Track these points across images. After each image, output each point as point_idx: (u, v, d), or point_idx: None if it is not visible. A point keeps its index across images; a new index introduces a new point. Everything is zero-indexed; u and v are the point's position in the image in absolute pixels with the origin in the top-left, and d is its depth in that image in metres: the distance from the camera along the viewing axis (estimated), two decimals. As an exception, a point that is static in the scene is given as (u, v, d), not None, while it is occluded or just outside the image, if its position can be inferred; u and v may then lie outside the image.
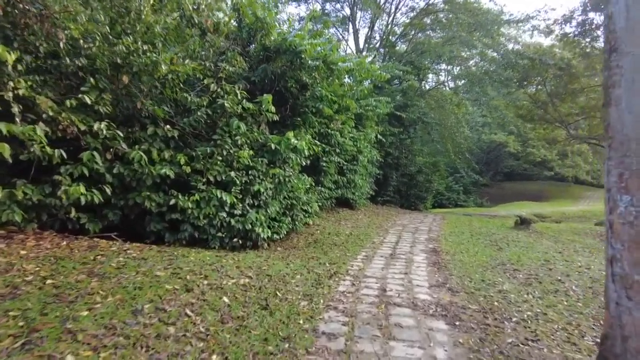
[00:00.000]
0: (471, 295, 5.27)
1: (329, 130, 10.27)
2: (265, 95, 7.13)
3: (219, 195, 6.31)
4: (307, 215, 9.56)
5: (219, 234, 6.70)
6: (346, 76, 11.12)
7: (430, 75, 25.16)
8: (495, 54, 19.67)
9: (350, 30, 23.89)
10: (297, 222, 8.87)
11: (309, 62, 8.34)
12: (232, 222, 6.70)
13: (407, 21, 23.19)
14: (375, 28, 24.70)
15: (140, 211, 6.14)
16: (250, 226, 6.91)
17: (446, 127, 22.29)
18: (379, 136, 13.29)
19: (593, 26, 22.00)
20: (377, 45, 23.49)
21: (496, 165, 45.04)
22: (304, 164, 9.42)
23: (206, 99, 6.44)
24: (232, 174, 6.60)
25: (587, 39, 21.98)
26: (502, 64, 19.54)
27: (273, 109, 7.10)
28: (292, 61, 8.87)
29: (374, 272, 6.29)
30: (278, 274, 5.37)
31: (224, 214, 6.57)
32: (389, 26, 23.05)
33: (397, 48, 22.18)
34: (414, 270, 6.61)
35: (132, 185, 5.89)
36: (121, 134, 5.45)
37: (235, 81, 7.77)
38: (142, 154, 5.62)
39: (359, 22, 24.72)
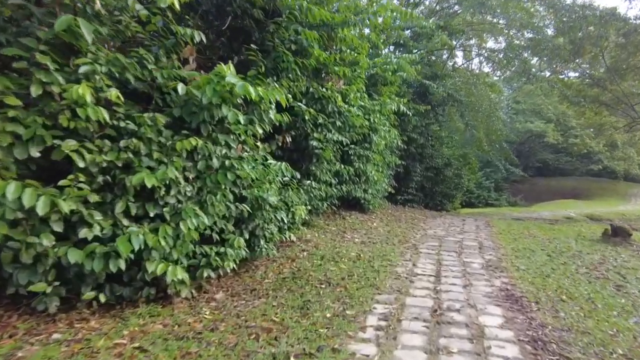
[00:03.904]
0: None
1: (324, 90, 6.37)
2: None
3: (9, 192, 2.49)
4: (284, 229, 5.73)
5: (43, 284, 2.91)
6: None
7: (459, 54, 21.16)
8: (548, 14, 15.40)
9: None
10: (261, 242, 5.03)
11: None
12: (74, 255, 2.89)
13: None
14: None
15: None
16: (125, 262, 3.11)
17: (480, 110, 18.09)
18: (402, 108, 9.23)
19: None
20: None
21: (527, 159, 40.35)
22: (278, 141, 5.64)
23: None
24: (71, 145, 2.78)
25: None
26: (556, 28, 15.33)
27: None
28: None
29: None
30: None
31: (44, 239, 2.76)
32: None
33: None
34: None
35: None
36: None
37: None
38: None
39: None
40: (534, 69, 17.12)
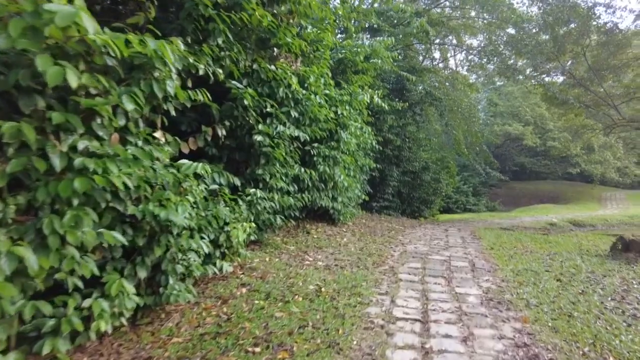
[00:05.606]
0: None
1: (274, 70, 4.81)
2: None
3: None
4: (216, 257, 4.12)
5: None
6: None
7: (436, 55, 20.06)
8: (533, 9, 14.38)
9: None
10: (170, 281, 3.40)
11: None
12: None
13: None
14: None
15: None
16: None
17: (459, 111, 16.89)
18: (377, 99, 7.68)
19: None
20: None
21: (504, 163, 39.83)
22: (206, 134, 4.10)
23: None
24: None
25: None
26: (540, 22, 14.32)
27: None
28: None
29: None
30: None
31: None
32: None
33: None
34: None
35: None
36: None
37: None
38: None
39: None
40: (517, 66, 16.07)
